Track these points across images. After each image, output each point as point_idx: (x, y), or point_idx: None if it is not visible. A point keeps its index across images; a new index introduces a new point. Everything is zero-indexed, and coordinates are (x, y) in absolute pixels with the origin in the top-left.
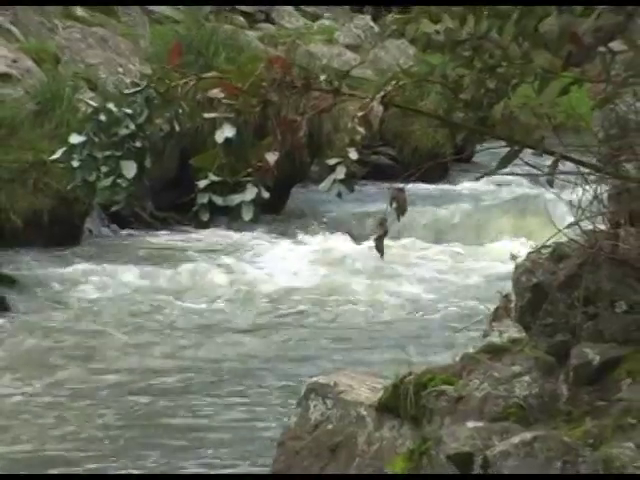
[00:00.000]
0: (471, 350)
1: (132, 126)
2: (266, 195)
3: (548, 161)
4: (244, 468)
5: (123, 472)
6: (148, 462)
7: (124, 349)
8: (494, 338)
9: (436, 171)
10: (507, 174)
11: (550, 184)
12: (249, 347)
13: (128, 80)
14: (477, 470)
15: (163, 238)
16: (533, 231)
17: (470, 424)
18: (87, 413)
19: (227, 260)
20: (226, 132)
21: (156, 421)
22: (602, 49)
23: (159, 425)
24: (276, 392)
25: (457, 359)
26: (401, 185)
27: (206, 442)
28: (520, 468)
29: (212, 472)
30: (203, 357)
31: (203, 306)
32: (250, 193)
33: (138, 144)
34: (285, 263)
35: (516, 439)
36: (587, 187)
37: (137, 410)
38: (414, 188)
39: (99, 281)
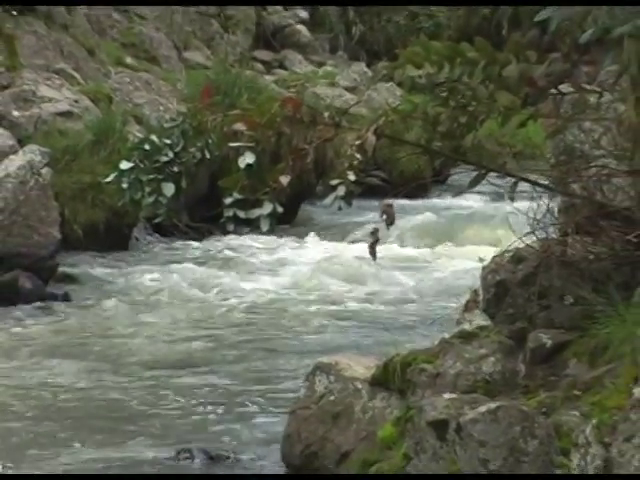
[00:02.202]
0: (446, 335)
1: (171, 154)
2: (280, 209)
3: (509, 181)
4: (260, 433)
5: (162, 440)
6: (181, 427)
7: (162, 335)
8: (465, 326)
9: (418, 190)
10: (476, 192)
11: (511, 200)
12: (264, 332)
13: (168, 116)
14: (452, 433)
15: (196, 244)
16: (497, 239)
17: (446, 395)
18: (129, 388)
19: (249, 261)
20: (247, 159)
21: (187, 394)
22: (553, 91)
23: (191, 397)
24: (286, 370)
25: (435, 343)
26: (390, 201)
27: (228, 411)
28: (486, 432)
29: (233, 439)
30: (226, 341)
31: (230, 298)
32: (267, 208)
33: (176, 169)
34: (295, 264)
35: (483, 408)
36: (541, 203)
37: (168, 386)
38: (400, 203)
39: (144, 279)
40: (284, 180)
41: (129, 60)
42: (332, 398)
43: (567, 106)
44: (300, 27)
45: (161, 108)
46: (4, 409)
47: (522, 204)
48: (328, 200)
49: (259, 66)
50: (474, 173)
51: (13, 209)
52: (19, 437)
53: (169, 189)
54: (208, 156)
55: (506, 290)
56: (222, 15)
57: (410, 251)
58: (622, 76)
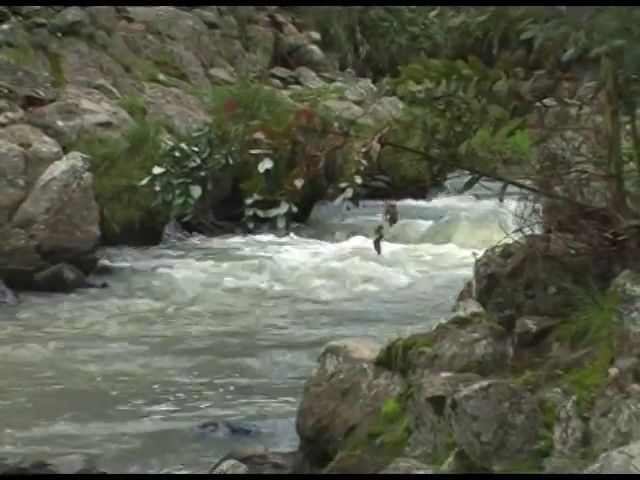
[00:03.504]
0: (443, 321)
1: (198, 160)
2: (295, 209)
3: (499, 185)
4: (277, 408)
5: (195, 404)
6: (207, 402)
7: (189, 321)
8: (460, 313)
9: (418, 192)
10: (470, 194)
11: (501, 201)
12: (280, 318)
13: (195, 126)
14: (448, 409)
15: (220, 240)
16: (488, 235)
17: (443, 375)
18: (161, 368)
19: (267, 255)
20: (266, 164)
21: (211, 374)
22: (538, 104)
23: (215, 376)
24: (299, 353)
25: (433, 328)
26: (393, 202)
27: (248, 389)
28: (479, 407)
29: (253, 413)
30: (247, 327)
31: (249, 288)
32: (283, 208)
33: (202, 173)
34: (308, 258)
35: (476, 386)
36: (527, 203)
37: (194, 367)
38: (402, 204)
39: (174, 271)
40: (298, 183)
41: (161, 76)
42: (341, 377)
43: (551, 117)
44: (313, 47)
45: (189, 119)
46: (53, 382)
47: (511, 205)
48: (337, 201)
49: (276, 82)
50: (468, 177)
51: (58, 209)
52: (66, 407)
53: (196, 191)
54: (231, 162)
55: (496, 281)
56: (244, 36)
57: (411, 247)
58: (599, 91)
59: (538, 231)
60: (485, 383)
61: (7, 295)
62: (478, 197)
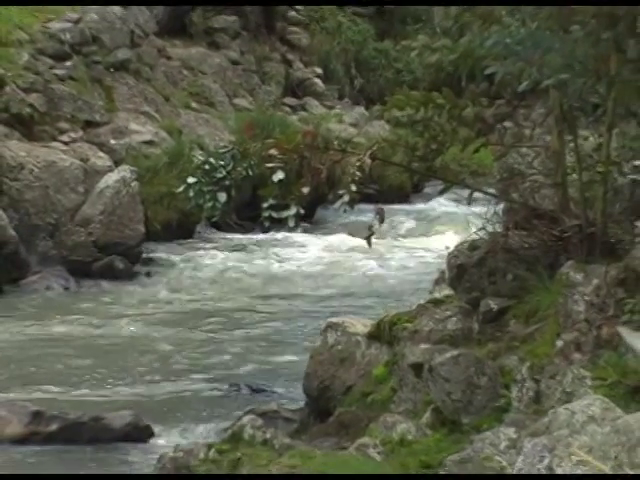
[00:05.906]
0: (422, 302)
1: (224, 172)
2: (302, 211)
3: (468, 192)
4: (288, 372)
5: (216, 371)
6: (230, 367)
7: (216, 301)
8: (436, 295)
9: (402, 197)
10: (444, 199)
11: (469, 205)
12: (290, 299)
13: (222, 144)
14: (426, 373)
15: (242, 236)
16: (458, 232)
17: (422, 346)
18: (192, 339)
19: (279, 248)
20: (279, 175)
21: (234, 344)
22: (499, 126)
23: (237, 345)
24: (305, 327)
25: (414, 307)
26: (381, 206)
27: (265, 356)
28: (450, 372)
29: (269, 376)
30: (262, 306)
31: (265, 274)
32: (293, 210)
33: (227, 182)
34: (313, 250)
35: (448, 354)
36: (490, 207)
37: (221, 339)
38: (389, 207)
39: (205, 260)
40: (305, 190)
41: (194, 104)
42: (339, 347)
43: (509, 137)
44: (317, 80)
45: (217, 138)
46: (106, 352)
47: (477, 208)
48: (337, 205)
49: (287, 109)
50: (442, 186)
51: (110, 211)
52: (116, 373)
53: (223, 197)
54: (251, 173)
55: (465, 270)
56: (261, 72)
57: (396, 242)
58: (549, 115)
59: (498, 229)
60: (456, 352)
61: (69, 281)
62: (451, 201)
